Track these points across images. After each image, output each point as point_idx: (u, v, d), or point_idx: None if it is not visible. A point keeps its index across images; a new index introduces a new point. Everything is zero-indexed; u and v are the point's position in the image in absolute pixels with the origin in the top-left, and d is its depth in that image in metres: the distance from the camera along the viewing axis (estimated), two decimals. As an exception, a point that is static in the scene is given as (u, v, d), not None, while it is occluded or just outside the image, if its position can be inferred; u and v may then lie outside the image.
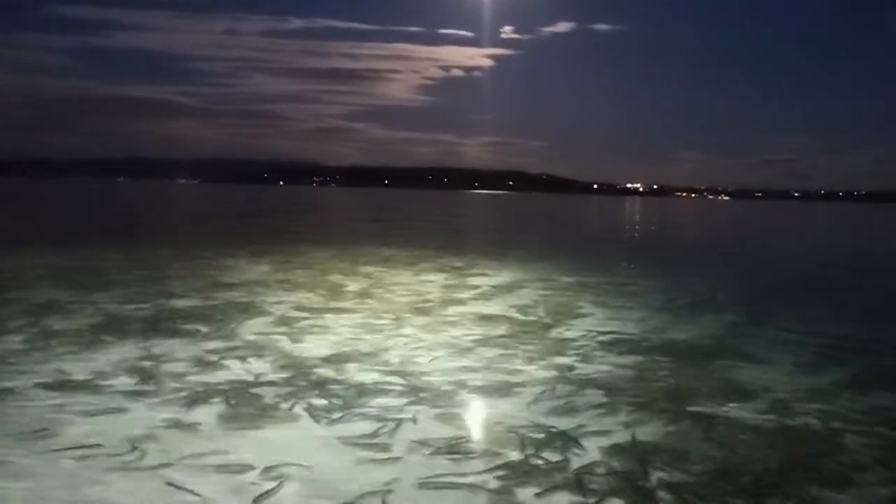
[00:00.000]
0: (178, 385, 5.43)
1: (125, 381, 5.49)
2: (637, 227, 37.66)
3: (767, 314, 9.65)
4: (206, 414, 4.81)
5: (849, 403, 5.60)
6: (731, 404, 5.41)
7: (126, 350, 6.45)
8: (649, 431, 4.75)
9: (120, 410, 4.83)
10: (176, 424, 4.59)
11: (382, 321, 8.13)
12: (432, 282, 11.58)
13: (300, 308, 8.77)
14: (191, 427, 4.55)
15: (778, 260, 20.31)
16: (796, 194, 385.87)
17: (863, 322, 9.49)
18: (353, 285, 10.83)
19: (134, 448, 4.17)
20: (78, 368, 5.79)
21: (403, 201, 78.56)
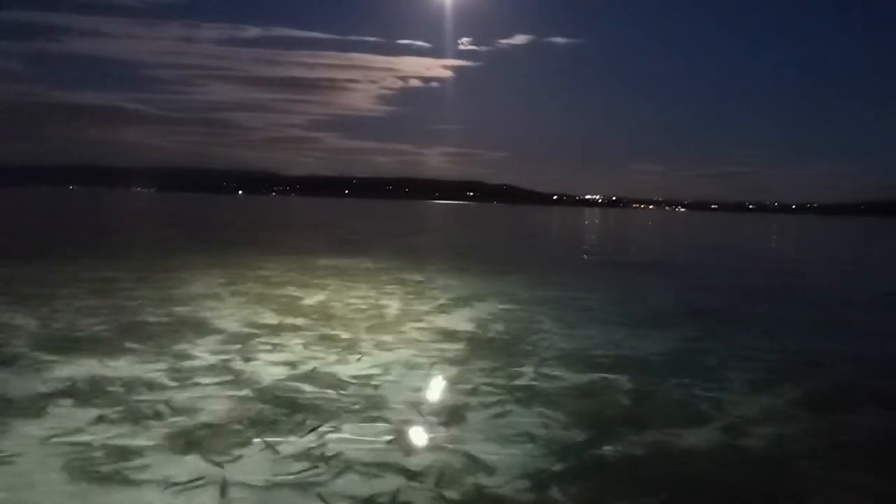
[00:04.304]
0: (121, 409, 5.21)
1: (65, 404, 5.25)
2: (595, 239, 38.00)
3: (722, 328, 9.76)
4: (148, 439, 4.61)
5: (804, 424, 5.64)
6: (686, 424, 5.41)
7: (68, 370, 6.19)
8: (606, 454, 4.70)
9: (59, 435, 4.61)
10: (117, 451, 4.39)
11: (338, 338, 7.98)
12: (391, 295, 11.45)
13: (254, 325, 8.57)
14: (133, 453, 4.35)
15: (731, 272, 20.62)
16: (751, 206, 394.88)
17: (815, 336, 9.64)
18: (309, 299, 10.65)
19: (72, 478, 3.97)
20: (16, 390, 5.53)
21: (363, 212, 78.20)
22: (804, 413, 5.88)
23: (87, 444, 4.47)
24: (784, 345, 8.70)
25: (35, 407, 5.17)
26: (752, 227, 73.68)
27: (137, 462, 4.23)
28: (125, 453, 4.35)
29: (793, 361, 7.79)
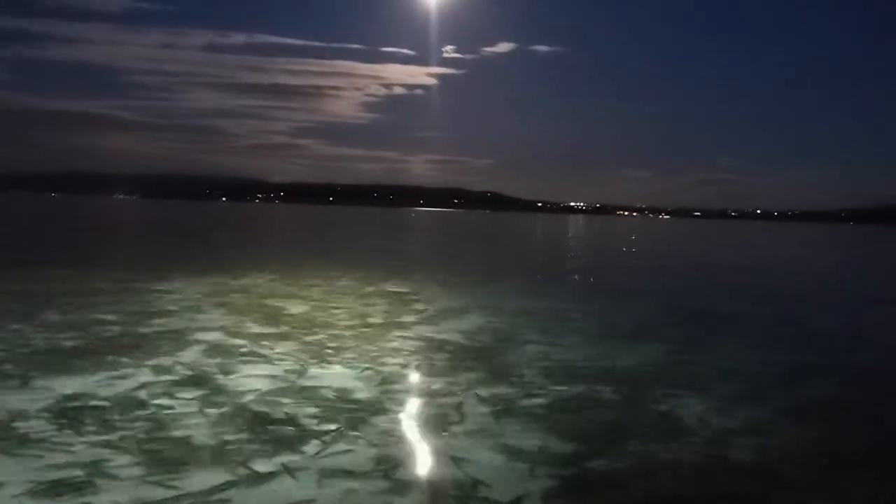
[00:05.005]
0: (98, 427, 5.10)
1: (41, 421, 5.14)
2: (579, 248, 38.10)
3: (706, 340, 9.78)
4: (126, 457, 4.52)
5: (789, 435, 5.64)
6: (670, 437, 5.38)
7: (45, 386, 6.06)
8: (594, 468, 4.67)
9: (34, 455, 4.50)
10: (94, 471, 4.29)
11: (322, 351, 7.90)
12: (375, 306, 11.39)
13: (236, 335, 8.47)
14: (110, 473, 4.26)
15: (714, 282, 20.73)
16: (733, 214, 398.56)
17: (799, 347, 9.67)
18: (293, 310, 10.56)
19: (48, 496, 3.88)
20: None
21: (348, 219, 78.01)
22: (790, 424, 5.89)
23: (59, 466, 4.36)
24: (767, 356, 8.72)
25: (8, 425, 5.06)
26: (734, 235, 74.18)
27: (112, 484, 4.14)
28: (99, 474, 4.25)
29: (776, 373, 7.81)
